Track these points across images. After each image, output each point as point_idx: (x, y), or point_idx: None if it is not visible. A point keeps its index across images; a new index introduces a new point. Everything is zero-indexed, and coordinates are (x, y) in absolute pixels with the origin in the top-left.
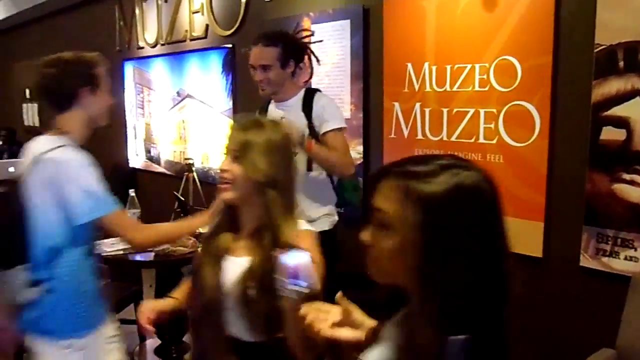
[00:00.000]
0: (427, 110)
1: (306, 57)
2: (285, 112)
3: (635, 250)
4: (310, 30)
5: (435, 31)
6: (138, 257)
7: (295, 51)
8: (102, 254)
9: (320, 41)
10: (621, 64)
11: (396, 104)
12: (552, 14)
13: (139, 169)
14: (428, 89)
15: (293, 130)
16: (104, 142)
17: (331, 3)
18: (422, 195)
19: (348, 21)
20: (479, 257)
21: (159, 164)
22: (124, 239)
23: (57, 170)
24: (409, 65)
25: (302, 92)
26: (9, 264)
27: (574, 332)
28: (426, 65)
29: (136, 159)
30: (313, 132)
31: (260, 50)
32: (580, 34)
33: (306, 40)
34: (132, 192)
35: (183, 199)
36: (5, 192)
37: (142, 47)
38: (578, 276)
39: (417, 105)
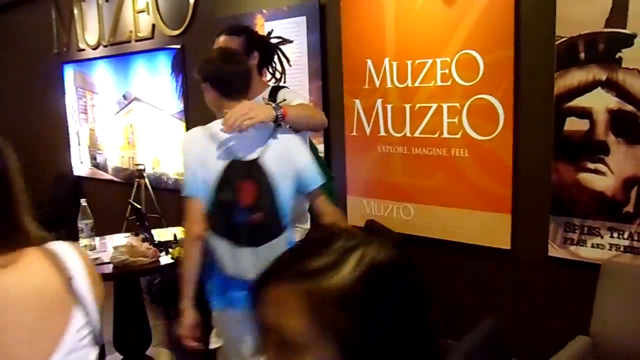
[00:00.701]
0: (389, 107)
1: (275, 57)
2: None
3: (602, 237)
4: (283, 38)
5: (395, 27)
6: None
7: (260, 44)
8: None
9: (291, 41)
10: (582, 55)
11: (357, 101)
12: (513, 8)
13: (84, 177)
14: (389, 85)
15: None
16: (46, 150)
17: (285, 0)
18: (331, 295)
19: (304, 18)
20: (415, 338)
21: (106, 171)
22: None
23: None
24: (369, 61)
25: (267, 90)
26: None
27: (547, 322)
28: (386, 61)
29: (81, 167)
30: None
31: (223, 39)
32: (540, 26)
33: (275, 41)
34: (83, 202)
35: (139, 206)
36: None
37: (83, 49)
38: (547, 266)
39: (379, 101)
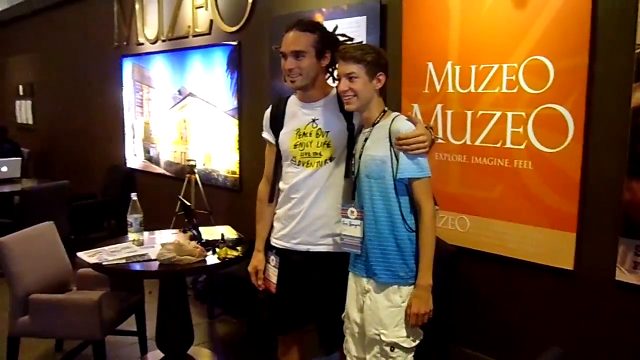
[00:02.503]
0: (449, 113)
1: None
2: (316, 114)
3: None
4: (347, 36)
5: (460, 29)
6: (139, 267)
7: (333, 43)
8: (103, 263)
9: (353, 39)
10: None
11: (415, 106)
12: (589, 13)
13: (137, 170)
14: (450, 89)
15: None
16: (102, 141)
17: None
18: None
19: (364, 18)
20: None
21: (158, 164)
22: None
23: None
24: (430, 64)
25: (333, 92)
26: None
27: (612, 351)
28: (449, 64)
29: (134, 160)
30: (351, 134)
31: (294, 34)
32: (619, 33)
33: (342, 39)
34: (134, 196)
35: (188, 203)
36: None
37: (142, 43)
38: (613, 290)
39: (439, 107)
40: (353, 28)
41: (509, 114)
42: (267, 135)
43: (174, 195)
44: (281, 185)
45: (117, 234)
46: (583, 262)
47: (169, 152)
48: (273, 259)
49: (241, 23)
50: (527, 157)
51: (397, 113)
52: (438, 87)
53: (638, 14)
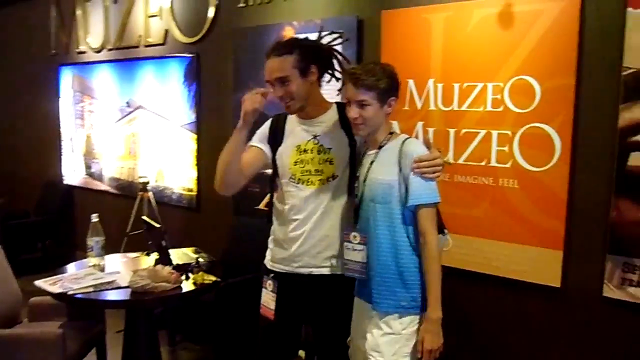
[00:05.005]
0: (430, 130)
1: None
2: (317, 130)
3: None
4: (335, 32)
5: (443, 47)
6: (110, 296)
7: (316, 54)
8: (69, 292)
9: (342, 33)
10: None
11: (395, 123)
12: (576, 34)
13: (76, 187)
14: (432, 107)
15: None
16: (36, 155)
17: (320, 12)
18: None
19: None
20: None
21: (101, 181)
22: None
23: None
24: (411, 82)
25: (334, 107)
26: None
27: None
28: (430, 82)
29: (73, 175)
30: (353, 150)
31: (273, 61)
32: (606, 55)
33: (328, 40)
34: (94, 217)
35: (157, 224)
36: None
37: (84, 52)
38: (601, 307)
39: (420, 124)
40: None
41: (494, 133)
42: (259, 144)
43: (121, 214)
44: (278, 205)
45: (52, 256)
46: (570, 279)
47: (114, 167)
48: (270, 284)
49: (201, 34)
50: (513, 175)
51: (405, 135)
52: (419, 105)
53: (624, 36)
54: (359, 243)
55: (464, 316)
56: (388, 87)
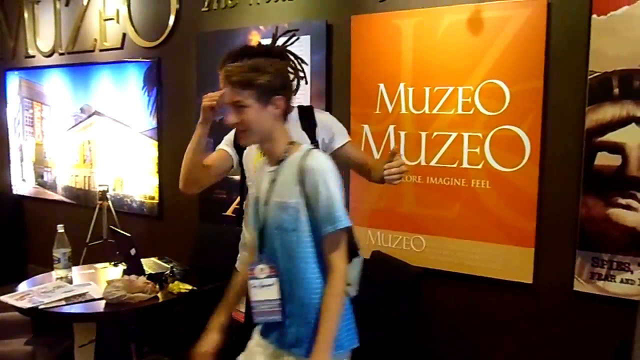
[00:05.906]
0: (402, 134)
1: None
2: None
3: (632, 273)
4: (289, 32)
5: (413, 52)
6: (83, 309)
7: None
8: (40, 307)
9: (297, 31)
10: (616, 90)
11: (366, 127)
12: (543, 40)
13: (26, 197)
14: (404, 111)
15: None
16: None
17: (287, 17)
18: None
19: (308, 37)
20: None
21: (54, 190)
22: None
23: None
24: (382, 86)
25: (295, 110)
26: None
27: (570, 358)
28: (402, 86)
29: (23, 185)
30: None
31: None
32: (572, 60)
33: (282, 42)
34: (60, 228)
35: (127, 234)
36: None
37: (33, 56)
38: (572, 301)
39: (391, 127)
40: (296, 47)
41: (465, 135)
42: (225, 147)
43: (77, 224)
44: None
45: (1, 270)
46: (542, 275)
47: (68, 176)
48: None
49: (162, 38)
50: (484, 176)
51: (307, 145)
52: (390, 108)
53: (590, 41)
54: (267, 277)
55: (439, 316)
56: (270, 84)
